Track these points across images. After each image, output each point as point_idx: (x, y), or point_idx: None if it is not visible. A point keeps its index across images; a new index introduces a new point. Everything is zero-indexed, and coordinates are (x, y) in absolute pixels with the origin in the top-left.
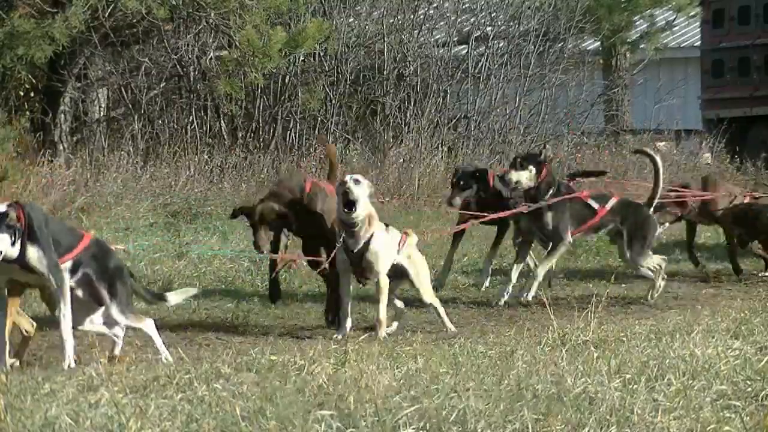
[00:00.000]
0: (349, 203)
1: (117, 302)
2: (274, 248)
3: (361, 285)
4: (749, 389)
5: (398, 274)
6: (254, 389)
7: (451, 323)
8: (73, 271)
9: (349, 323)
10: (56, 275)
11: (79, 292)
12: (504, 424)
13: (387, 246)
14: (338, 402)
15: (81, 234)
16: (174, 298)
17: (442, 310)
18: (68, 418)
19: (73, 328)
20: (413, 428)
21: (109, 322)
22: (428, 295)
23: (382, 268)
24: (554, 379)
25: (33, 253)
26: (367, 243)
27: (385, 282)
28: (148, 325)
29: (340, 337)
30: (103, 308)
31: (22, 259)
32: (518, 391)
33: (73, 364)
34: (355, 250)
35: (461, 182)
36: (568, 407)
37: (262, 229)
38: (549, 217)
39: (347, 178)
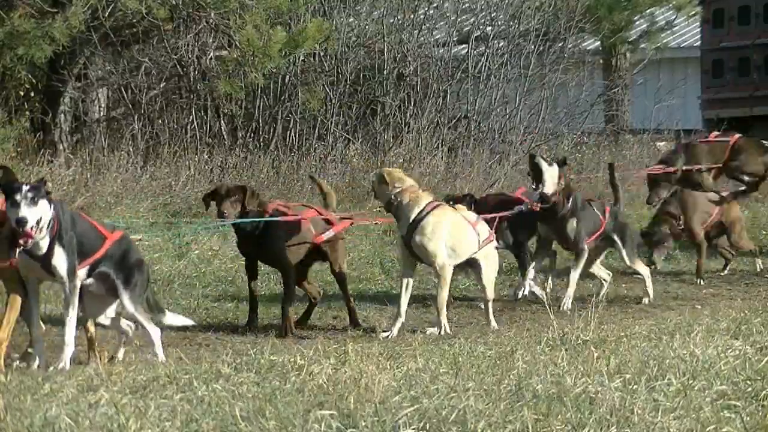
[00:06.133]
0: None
1: (130, 291)
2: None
3: None
4: (749, 389)
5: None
6: (254, 389)
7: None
8: (91, 269)
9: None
10: (72, 281)
11: (96, 288)
12: (504, 424)
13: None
14: (338, 402)
15: (104, 236)
16: (171, 318)
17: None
18: (68, 418)
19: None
20: (413, 428)
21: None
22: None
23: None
24: (554, 379)
25: (58, 256)
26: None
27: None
28: (153, 329)
29: (388, 335)
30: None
31: (46, 260)
32: (518, 391)
33: (68, 367)
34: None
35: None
36: (568, 407)
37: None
38: (572, 226)
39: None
